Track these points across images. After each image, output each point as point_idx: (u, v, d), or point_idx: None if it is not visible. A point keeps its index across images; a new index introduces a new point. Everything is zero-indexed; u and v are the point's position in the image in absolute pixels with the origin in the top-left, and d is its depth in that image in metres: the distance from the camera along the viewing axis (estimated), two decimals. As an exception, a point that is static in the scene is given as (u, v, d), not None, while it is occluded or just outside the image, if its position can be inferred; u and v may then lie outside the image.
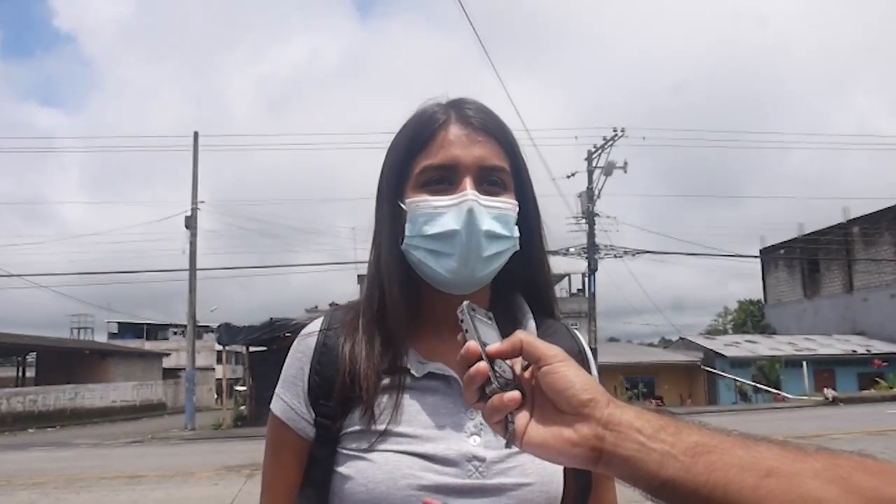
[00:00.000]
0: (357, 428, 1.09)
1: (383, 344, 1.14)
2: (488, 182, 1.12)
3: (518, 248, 1.15)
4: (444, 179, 1.11)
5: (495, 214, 1.10)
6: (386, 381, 1.11)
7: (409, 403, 1.11)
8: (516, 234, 1.14)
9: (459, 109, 1.15)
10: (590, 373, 1.22)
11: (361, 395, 1.10)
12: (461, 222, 1.08)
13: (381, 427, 1.08)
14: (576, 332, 1.30)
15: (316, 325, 1.22)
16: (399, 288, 1.15)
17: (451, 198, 1.09)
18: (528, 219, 1.18)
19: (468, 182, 1.09)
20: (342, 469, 1.08)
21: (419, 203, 1.11)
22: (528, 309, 1.23)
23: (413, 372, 1.13)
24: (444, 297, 1.15)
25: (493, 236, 1.10)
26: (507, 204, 1.13)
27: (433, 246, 1.11)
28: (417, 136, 1.14)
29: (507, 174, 1.14)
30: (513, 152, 1.16)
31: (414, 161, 1.13)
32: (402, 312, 1.15)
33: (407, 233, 1.13)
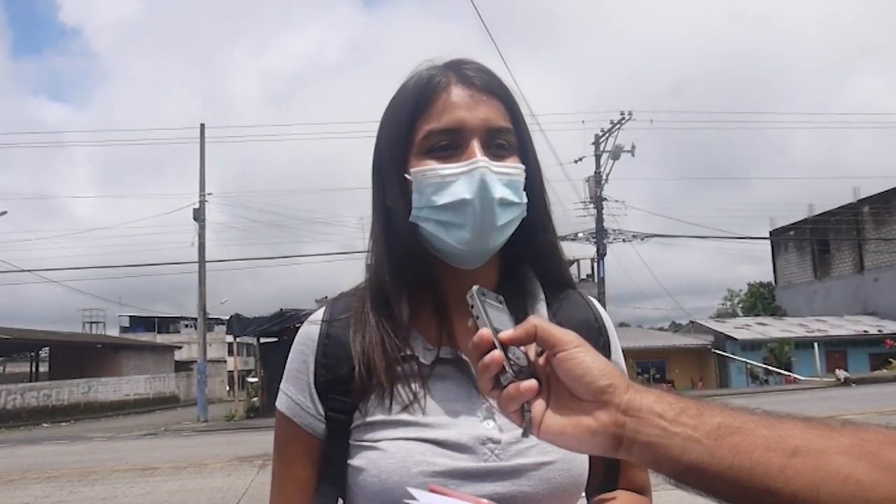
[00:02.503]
0: (368, 419, 1.06)
1: (391, 331, 1.09)
2: (495, 145, 1.06)
3: (526, 213, 1.10)
4: (451, 144, 1.05)
5: (506, 181, 1.05)
6: (391, 369, 1.07)
7: (419, 391, 1.07)
8: (525, 199, 1.08)
9: (459, 70, 1.09)
10: (609, 343, 1.18)
11: (372, 386, 1.06)
12: (473, 190, 1.02)
13: (392, 416, 1.05)
14: (592, 300, 1.25)
15: (318, 316, 1.17)
16: (404, 270, 1.11)
17: (461, 165, 1.04)
18: (532, 181, 1.12)
19: (476, 146, 1.04)
20: (355, 461, 1.05)
21: (426, 172, 1.05)
22: (538, 283, 1.18)
23: (422, 359, 1.09)
24: (454, 275, 1.10)
25: (505, 204, 1.05)
26: (517, 169, 1.08)
27: (444, 217, 1.05)
28: (418, 100, 1.07)
29: (513, 135, 1.09)
30: (515, 113, 1.11)
31: (415, 127, 1.07)
32: (407, 297, 1.12)
33: (414, 203, 1.07)
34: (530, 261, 1.18)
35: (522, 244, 1.14)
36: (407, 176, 1.08)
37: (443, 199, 1.04)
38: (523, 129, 1.12)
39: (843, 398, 19.50)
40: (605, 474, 1.14)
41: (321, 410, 1.10)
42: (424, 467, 1.00)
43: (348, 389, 1.08)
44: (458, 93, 1.07)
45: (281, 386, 1.15)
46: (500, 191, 1.03)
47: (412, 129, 1.08)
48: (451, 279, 1.10)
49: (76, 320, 63.45)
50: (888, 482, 0.61)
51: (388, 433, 1.04)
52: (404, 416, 1.04)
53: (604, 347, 1.17)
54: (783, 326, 36.25)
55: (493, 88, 1.09)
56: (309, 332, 1.15)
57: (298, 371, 1.13)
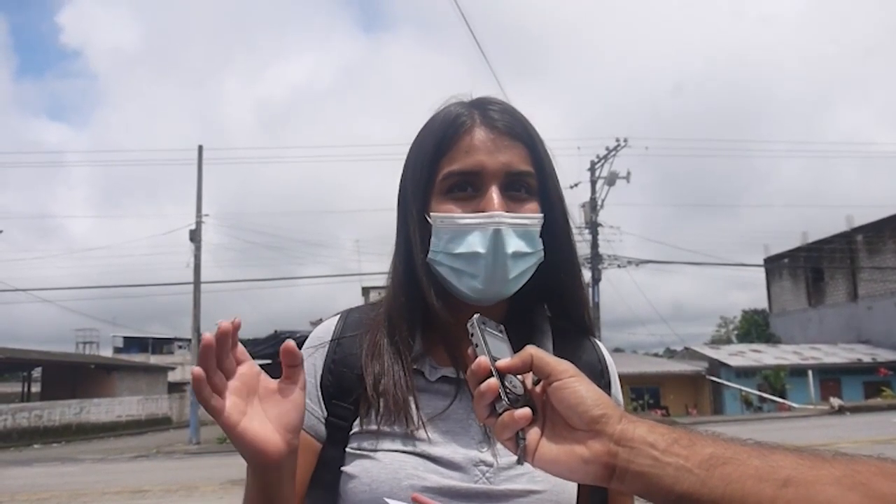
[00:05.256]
0: (366, 428, 1.08)
1: (402, 349, 1.12)
2: (514, 188, 1.09)
3: (543, 258, 1.12)
4: (469, 185, 1.08)
5: (521, 232, 1.07)
6: (400, 384, 1.09)
7: (421, 406, 1.09)
8: (540, 246, 1.10)
9: (484, 111, 1.11)
10: (610, 387, 1.19)
11: (376, 397, 1.09)
12: (486, 244, 1.05)
13: (390, 428, 1.07)
14: (598, 343, 1.26)
15: (330, 324, 1.20)
16: (419, 296, 1.13)
17: (478, 217, 1.06)
18: (555, 224, 1.14)
19: (495, 191, 1.06)
20: (347, 468, 1.07)
21: (444, 219, 1.08)
22: (547, 320, 1.20)
23: (427, 375, 1.12)
24: (463, 304, 1.12)
25: (519, 255, 1.07)
26: (533, 219, 1.09)
27: (457, 265, 1.08)
28: (441, 139, 1.10)
29: (534, 178, 1.11)
30: (538, 155, 1.12)
31: (438, 166, 1.10)
32: (422, 319, 1.14)
33: (432, 247, 1.10)
34: (550, 300, 1.20)
35: (539, 284, 1.15)
36: (427, 218, 1.11)
37: (458, 248, 1.07)
38: (547, 171, 1.13)
39: (838, 426, 19.42)
40: None
41: (324, 414, 1.12)
42: (415, 481, 1.02)
43: (352, 397, 1.11)
44: (480, 135, 1.09)
45: None
46: (513, 244, 1.06)
47: (434, 168, 1.10)
48: (463, 308, 1.11)
49: (70, 340, 62.83)
50: None
51: (384, 444, 1.06)
52: (401, 429, 1.07)
53: (605, 388, 1.19)
54: (777, 354, 36.14)
55: (516, 131, 1.10)
56: (321, 337, 1.18)
57: (306, 373, 1.13)
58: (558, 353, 1.16)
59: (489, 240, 1.05)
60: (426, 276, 1.12)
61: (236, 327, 0.87)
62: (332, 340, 1.17)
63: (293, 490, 0.97)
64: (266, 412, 0.90)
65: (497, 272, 1.06)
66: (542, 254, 1.12)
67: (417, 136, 1.16)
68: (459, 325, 1.13)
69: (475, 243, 1.06)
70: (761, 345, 40.76)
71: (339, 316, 1.21)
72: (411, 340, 1.14)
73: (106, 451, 24.28)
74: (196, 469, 16.34)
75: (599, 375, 1.20)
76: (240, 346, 0.90)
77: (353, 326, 1.18)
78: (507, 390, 0.78)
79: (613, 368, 1.25)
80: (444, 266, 1.09)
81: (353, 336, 1.16)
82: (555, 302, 1.21)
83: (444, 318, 1.12)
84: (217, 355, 0.85)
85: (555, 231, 1.14)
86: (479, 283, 1.07)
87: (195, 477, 14.27)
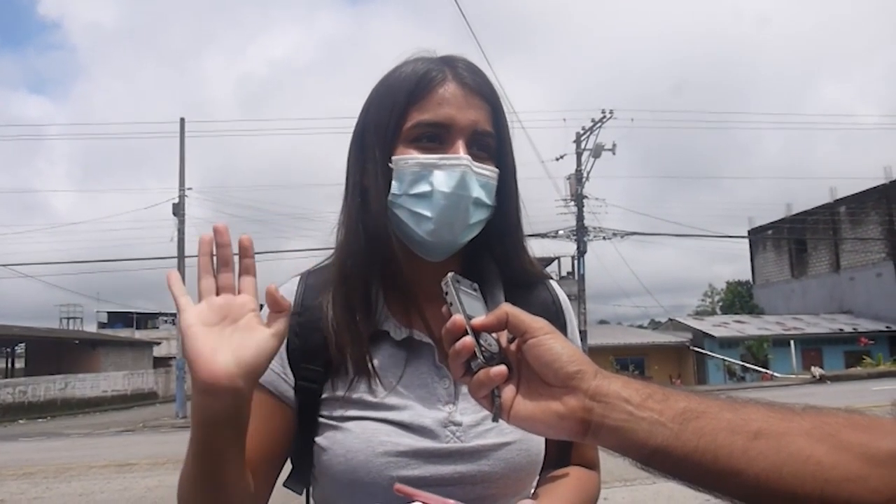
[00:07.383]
0: (335, 394, 1.09)
1: (363, 308, 1.11)
2: (478, 146, 1.09)
3: (492, 216, 1.13)
4: (437, 138, 1.08)
5: (483, 182, 1.09)
6: (363, 349, 1.09)
7: (387, 370, 1.09)
8: (494, 202, 1.12)
9: (454, 68, 1.12)
10: (566, 324, 1.21)
11: (343, 360, 1.08)
12: (452, 185, 1.05)
13: (358, 394, 1.07)
14: (553, 284, 1.27)
15: (291, 287, 1.17)
16: (375, 250, 1.10)
17: (444, 157, 1.06)
18: (507, 185, 1.15)
19: (461, 145, 1.07)
20: (320, 440, 1.07)
21: (408, 160, 1.07)
22: (497, 271, 1.19)
23: (392, 335, 1.12)
24: (420, 263, 1.12)
25: (479, 204, 1.09)
26: (493, 172, 1.11)
27: (418, 207, 1.07)
28: (414, 89, 1.09)
29: (494, 139, 1.12)
30: (499, 117, 1.14)
31: (407, 114, 1.09)
32: (379, 275, 1.13)
33: (393, 190, 1.09)
34: (496, 257, 1.19)
35: (487, 242, 1.16)
36: (389, 164, 1.09)
37: (421, 188, 1.06)
38: (505, 133, 1.15)
39: (819, 395, 19.71)
40: (558, 451, 1.18)
41: (292, 378, 1.11)
42: (389, 447, 1.03)
43: (320, 359, 1.10)
44: (452, 90, 1.09)
45: None
46: (476, 190, 1.07)
47: (403, 117, 1.09)
48: (415, 267, 1.12)
49: (53, 316, 62.48)
50: (846, 462, 0.64)
51: (354, 412, 1.07)
52: (370, 397, 1.07)
53: (561, 328, 1.20)
54: (760, 324, 36.63)
55: (484, 91, 1.12)
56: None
57: None
58: (510, 299, 1.16)
59: (455, 181, 1.05)
60: (383, 221, 1.09)
61: (244, 244, 0.88)
62: (295, 302, 1.13)
63: (241, 458, 0.92)
64: (230, 341, 0.83)
65: (459, 214, 1.07)
66: (493, 210, 1.13)
67: (383, 82, 1.15)
68: (419, 283, 1.12)
69: (440, 183, 1.06)
70: (745, 316, 41.29)
71: (299, 278, 1.19)
72: (372, 299, 1.13)
73: (92, 425, 24.33)
74: (182, 443, 16.02)
75: (554, 317, 1.20)
76: (250, 279, 0.88)
77: (314, 288, 1.15)
78: (483, 348, 0.78)
79: (568, 307, 1.26)
80: (404, 209, 1.08)
81: (317, 297, 1.14)
82: (500, 258, 1.19)
83: (406, 272, 1.11)
84: (216, 257, 0.86)
85: (506, 192, 1.14)
86: (438, 225, 1.07)
87: (182, 450, 13.91)
